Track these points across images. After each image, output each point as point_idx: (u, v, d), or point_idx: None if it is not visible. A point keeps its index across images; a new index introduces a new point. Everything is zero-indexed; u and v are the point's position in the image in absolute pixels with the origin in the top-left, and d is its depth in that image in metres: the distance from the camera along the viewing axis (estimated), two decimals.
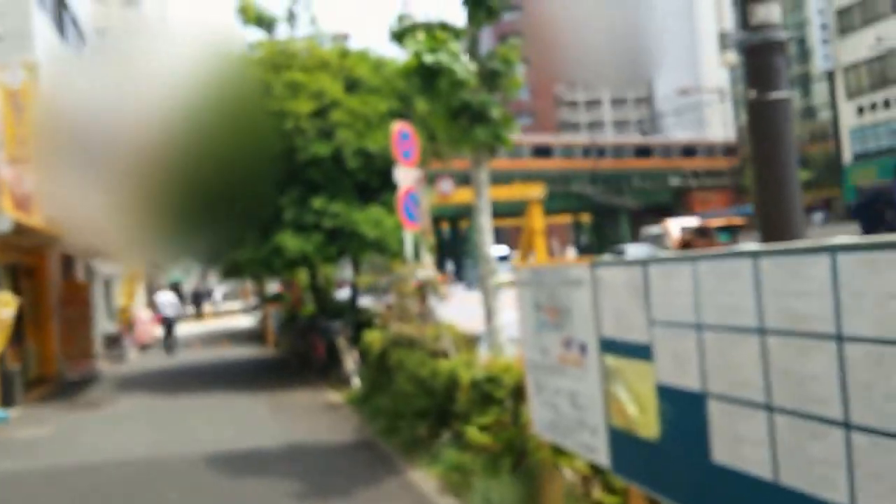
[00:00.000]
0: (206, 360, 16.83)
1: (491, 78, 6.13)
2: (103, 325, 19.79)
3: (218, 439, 8.17)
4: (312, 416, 9.17)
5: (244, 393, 11.38)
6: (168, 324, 19.18)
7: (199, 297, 36.91)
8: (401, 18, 5.90)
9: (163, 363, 16.61)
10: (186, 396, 11.48)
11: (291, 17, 16.03)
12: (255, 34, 15.37)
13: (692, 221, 34.14)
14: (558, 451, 4.39)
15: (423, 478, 5.91)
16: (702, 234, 29.24)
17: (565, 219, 60.05)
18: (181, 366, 16.00)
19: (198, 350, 19.29)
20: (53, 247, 14.71)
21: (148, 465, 7.33)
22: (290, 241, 10.92)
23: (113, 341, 18.80)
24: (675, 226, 33.34)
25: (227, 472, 6.76)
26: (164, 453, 7.75)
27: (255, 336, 21.62)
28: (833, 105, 37.54)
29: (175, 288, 31.44)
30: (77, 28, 19.64)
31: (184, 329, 22.74)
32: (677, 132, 57.99)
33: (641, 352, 2.99)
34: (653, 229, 38.68)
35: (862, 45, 32.55)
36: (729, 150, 45.39)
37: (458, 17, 6.30)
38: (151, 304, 25.67)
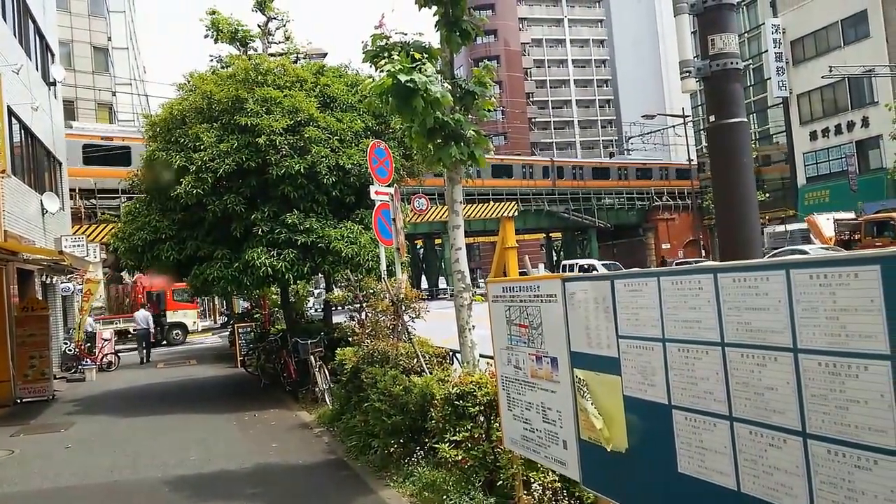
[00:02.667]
0: (171, 379, 16.44)
1: (465, 98, 6.25)
2: (62, 343, 19.26)
3: (182, 462, 7.93)
4: (282, 437, 9.02)
5: (211, 413, 11.12)
6: (144, 337, 21.62)
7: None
8: (375, 39, 6.00)
9: (124, 383, 16.14)
10: (149, 418, 11.14)
11: (265, 35, 16.10)
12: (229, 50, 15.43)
13: (848, 214, 27.34)
14: (530, 466, 4.45)
15: (396, 496, 5.89)
16: (881, 229, 23.06)
17: (537, 236, 60.81)
18: (144, 386, 15.60)
19: (162, 370, 18.87)
20: (9, 263, 14.33)
21: (107, 490, 7.07)
22: (263, 258, 10.82)
23: (71, 361, 18.25)
24: (826, 220, 26.78)
25: (192, 498, 6.57)
26: (124, 478, 7.46)
27: (223, 355, 21.24)
28: (788, 131, 38.89)
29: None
30: (42, 40, 19.35)
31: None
32: (643, 154, 59.27)
33: (610, 365, 3.09)
34: (778, 228, 32.87)
35: (814, 74, 33.97)
36: (691, 171, 46.61)
37: (434, 39, 6.45)
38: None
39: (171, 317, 28.90)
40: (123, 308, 32.66)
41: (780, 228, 32.89)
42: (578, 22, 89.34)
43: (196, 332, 30.72)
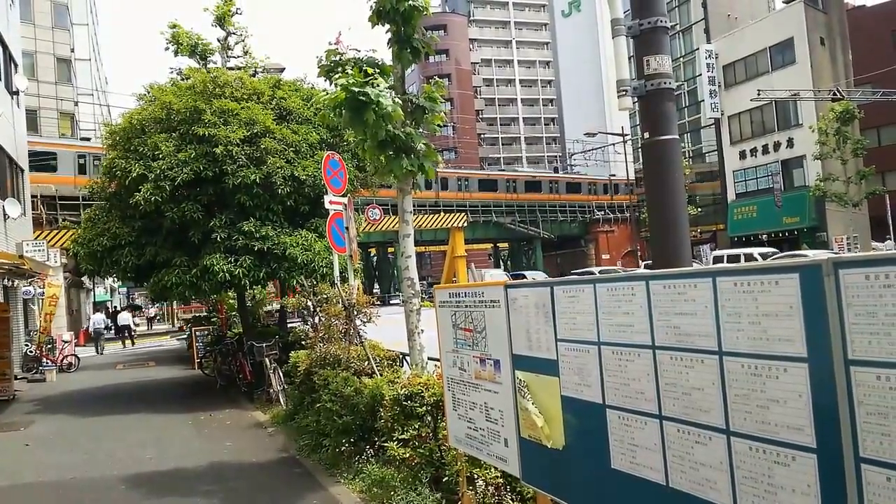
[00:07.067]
0: (129, 380, 15.85)
1: (416, 113, 6.18)
2: (23, 345, 18.43)
3: (139, 461, 7.68)
4: (237, 436, 8.78)
5: (168, 413, 10.77)
6: (99, 334, 25.14)
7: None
8: (330, 54, 5.88)
9: (83, 384, 15.51)
10: (107, 417, 10.76)
11: (225, 49, 15.72)
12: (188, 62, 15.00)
13: None
14: (474, 463, 4.39)
15: (346, 492, 5.77)
16: None
17: (485, 246, 61.15)
18: (103, 387, 15.00)
19: (121, 371, 18.17)
20: None
21: (64, 488, 6.81)
22: (221, 263, 10.51)
23: (32, 362, 17.53)
24: None
25: (147, 494, 6.36)
26: (81, 476, 7.21)
27: (181, 357, 20.61)
28: (719, 150, 40.06)
29: (105, 308, 30.54)
30: (6, 50, 18.50)
31: (108, 350, 25.37)
32: (585, 170, 60.26)
33: (549, 367, 3.04)
34: None
35: (744, 97, 35.02)
36: (629, 186, 47.62)
37: (387, 56, 6.36)
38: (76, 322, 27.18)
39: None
40: None
41: None
42: (526, 44, 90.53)
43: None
